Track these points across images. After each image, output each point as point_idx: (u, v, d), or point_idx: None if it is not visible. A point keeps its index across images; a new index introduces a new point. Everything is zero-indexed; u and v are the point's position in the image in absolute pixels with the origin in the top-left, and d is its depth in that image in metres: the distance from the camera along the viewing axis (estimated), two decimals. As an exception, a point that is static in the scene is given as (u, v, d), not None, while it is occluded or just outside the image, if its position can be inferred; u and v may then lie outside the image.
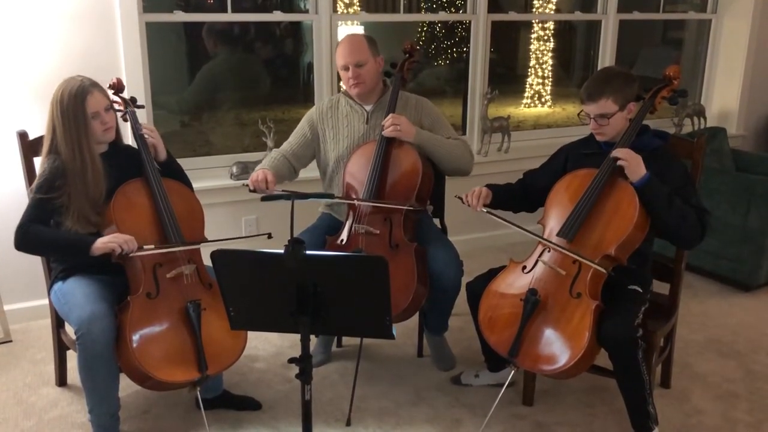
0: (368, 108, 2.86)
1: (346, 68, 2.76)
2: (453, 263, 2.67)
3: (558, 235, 2.39)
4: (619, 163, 2.33)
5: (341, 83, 3.22)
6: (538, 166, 2.71)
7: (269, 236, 2.40)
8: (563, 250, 2.33)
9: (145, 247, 2.29)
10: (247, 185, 2.69)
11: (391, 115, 2.70)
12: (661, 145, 2.44)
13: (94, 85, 2.37)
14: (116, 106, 2.52)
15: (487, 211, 2.51)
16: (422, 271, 2.60)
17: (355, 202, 2.71)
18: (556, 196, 2.49)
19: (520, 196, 2.67)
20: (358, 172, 2.75)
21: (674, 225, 2.31)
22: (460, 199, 2.55)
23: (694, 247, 2.44)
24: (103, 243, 2.23)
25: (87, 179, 2.33)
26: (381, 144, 2.71)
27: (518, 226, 2.42)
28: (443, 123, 2.89)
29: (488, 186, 2.59)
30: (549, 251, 2.40)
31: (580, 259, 2.29)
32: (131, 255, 2.25)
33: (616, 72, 2.48)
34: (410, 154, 2.71)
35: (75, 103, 2.31)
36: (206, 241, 2.48)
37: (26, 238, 2.29)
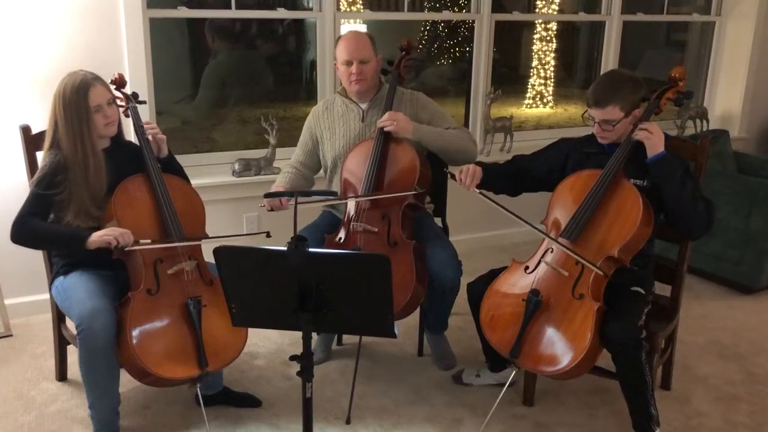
0: (364, 106, 2.85)
1: (350, 63, 2.75)
2: (451, 263, 2.66)
3: (561, 235, 2.38)
4: (640, 135, 2.33)
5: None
6: (531, 153, 2.69)
7: (267, 235, 2.39)
8: (566, 249, 2.33)
9: (141, 241, 2.28)
10: (264, 206, 2.64)
11: (388, 111, 2.70)
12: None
13: (97, 78, 2.37)
14: (118, 102, 2.51)
15: (480, 192, 2.49)
16: (421, 269, 2.59)
17: (353, 199, 2.69)
18: (559, 197, 2.48)
19: (510, 177, 2.65)
20: (355, 169, 2.74)
21: (686, 207, 2.31)
22: (453, 176, 2.54)
23: (702, 236, 2.43)
24: (98, 236, 2.23)
25: (88, 173, 2.33)
26: (379, 141, 2.70)
27: (513, 213, 2.40)
28: (441, 114, 2.88)
29: (480, 164, 2.57)
30: (552, 251, 2.40)
31: (582, 261, 2.28)
32: (127, 249, 2.25)
33: (624, 78, 2.45)
34: (408, 150, 2.70)
35: (77, 97, 2.30)
36: (203, 237, 2.47)
37: (22, 231, 2.28)
